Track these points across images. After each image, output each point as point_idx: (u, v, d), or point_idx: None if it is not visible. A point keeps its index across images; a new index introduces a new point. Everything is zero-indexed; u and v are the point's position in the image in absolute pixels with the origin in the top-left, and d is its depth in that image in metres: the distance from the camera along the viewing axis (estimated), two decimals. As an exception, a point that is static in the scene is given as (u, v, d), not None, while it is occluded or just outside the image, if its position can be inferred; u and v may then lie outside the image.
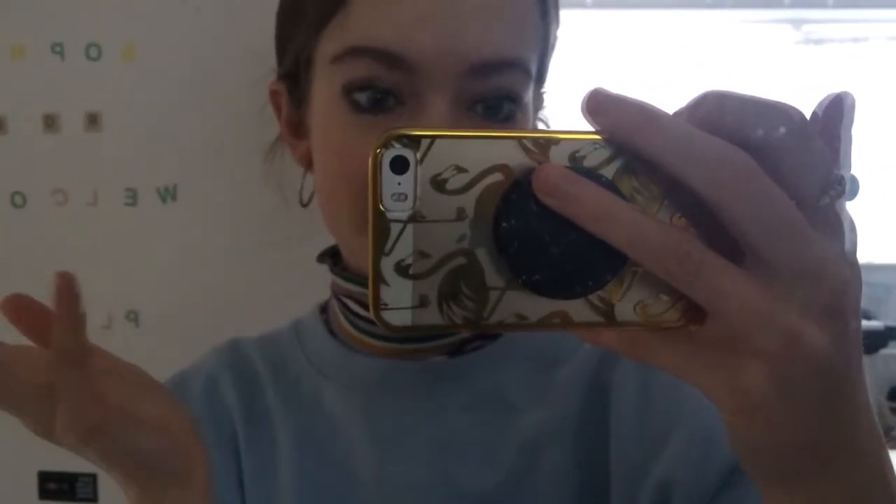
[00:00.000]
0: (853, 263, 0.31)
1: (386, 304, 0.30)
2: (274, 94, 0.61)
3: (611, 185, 0.30)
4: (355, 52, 0.50)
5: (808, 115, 0.31)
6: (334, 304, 0.64)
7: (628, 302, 0.31)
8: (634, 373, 0.56)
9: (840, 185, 0.30)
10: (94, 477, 0.83)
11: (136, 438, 0.43)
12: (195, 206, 0.82)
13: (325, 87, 0.53)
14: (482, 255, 0.30)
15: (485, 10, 0.49)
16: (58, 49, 0.80)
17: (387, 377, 0.59)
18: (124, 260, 0.82)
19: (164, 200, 0.82)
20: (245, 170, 0.81)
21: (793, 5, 3.93)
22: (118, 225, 0.82)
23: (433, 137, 0.29)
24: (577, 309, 0.31)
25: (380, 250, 0.29)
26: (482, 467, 0.56)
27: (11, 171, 0.82)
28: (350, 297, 0.60)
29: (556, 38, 0.57)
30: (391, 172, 0.29)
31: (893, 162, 3.89)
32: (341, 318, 0.62)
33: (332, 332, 0.64)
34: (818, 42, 4.13)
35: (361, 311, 0.60)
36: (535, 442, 0.56)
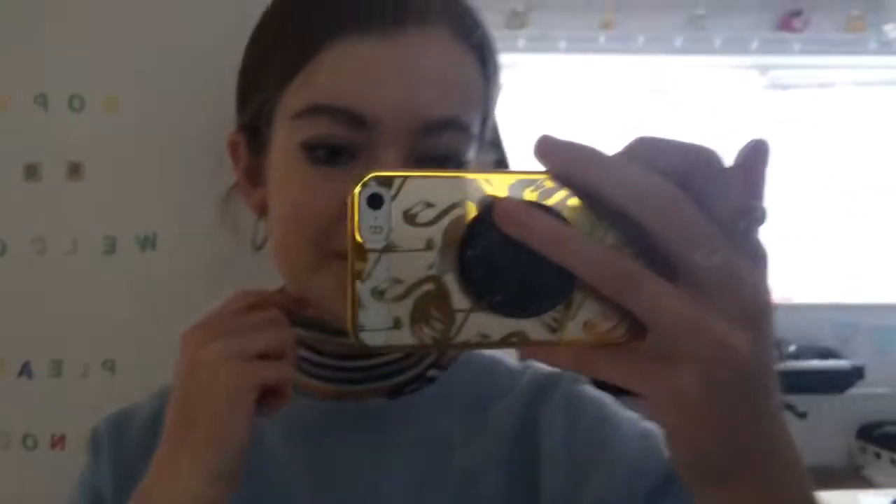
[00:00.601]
0: (767, 282, 0.36)
1: (363, 326, 0.33)
2: (233, 144, 0.65)
3: (559, 216, 0.34)
4: (316, 110, 0.54)
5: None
6: None
7: (578, 321, 0.35)
8: (561, 411, 0.62)
9: (754, 213, 0.35)
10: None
11: None
12: (174, 256, 0.83)
13: (284, 140, 0.57)
14: (449, 280, 0.34)
15: (435, 76, 0.55)
16: (41, 100, 0.81)
17: (327, 418, 0.63)
18: (102, 308, 0.83)
19: (143, 249, 0.83)
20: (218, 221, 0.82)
21: (759, 51, 4.03)
22: (97, 273, 0.82)
23: (405, 177, 0.34)
24: (534, 328, 0.35)
25: (358, 277, 0.33)
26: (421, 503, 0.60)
27: (-8, 219, 0.82)
28: (298, 342, 0.61)
29: (496, 104, 0.63)
30: (368, 208, 0.33)
31: (859, 205, 3.97)
32: None
33: None
34: (785, 87, 4.23)
35: (310, 355, 0.63)
36: (471, 475, 0.61)
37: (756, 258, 0.35)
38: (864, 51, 3.78)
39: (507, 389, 0.65)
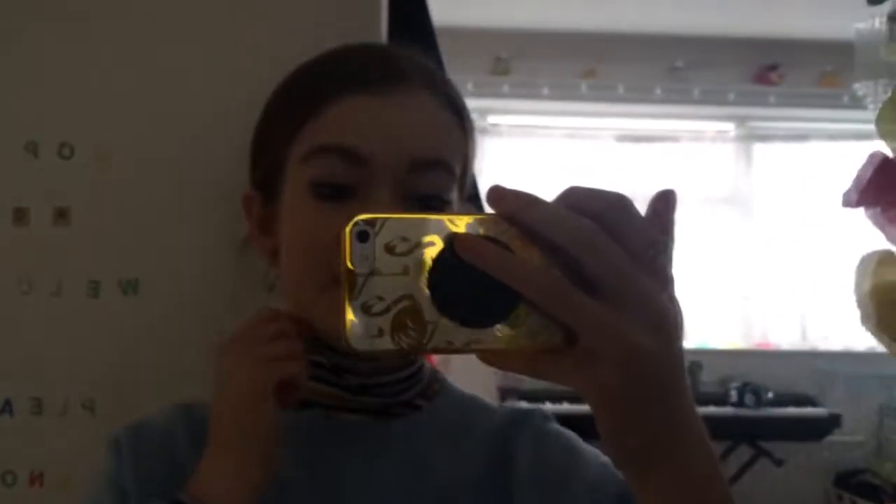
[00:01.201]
0: (673, 298, 0.46)
1: (353, 335, 0.43)
2: (247, 199, 0.74)
3: (506, 246, 0.43)
4: (322, 150, 0.66)
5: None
6: None
7: (524, 331, 0.44)
8: (532, 442, 0.71)
9: (658, 246, 0.46)
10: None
11: None
12: (156, 300, 0.85)
13: (295, 182, 0.67)
14: (421, 298, 0.43)
15: (419, 124, 0.67)
16: (31, 147, 0.85)
17: (316, 430, 0.69)
18: (84, 348, 0.85)
19: (125, 293, 0.85)
20: (205, 267, 0.86)
21: (736, 102, 4.12)
22: (80, 315, 0.85)
23: (385, 219, 0.43)
24: (489, 336, 0.44)
25: (349, 295, 0.43)
26: None
27: (-22, 261, 0.85)
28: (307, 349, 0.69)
29: (474, 153, 0.74)
30: (357, 241, 0.43)
31: (837, 253, 4.03)
32: None
33: None
34: (762, 139, 4.32)
35: (316, 358, 0.69)
36: (448, 497, 0.68)
37: (662, 279, 0.45)
38: (837, 105, 3.87)
39: (484, 422, 0.73)
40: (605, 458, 0.68)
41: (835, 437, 3.68)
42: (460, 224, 0.44)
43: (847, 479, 3.76)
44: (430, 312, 0.43)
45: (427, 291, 0.43)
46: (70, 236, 0.85)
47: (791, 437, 3.60)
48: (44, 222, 0.85)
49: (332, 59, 0.71)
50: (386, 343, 0.43)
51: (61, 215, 0.85)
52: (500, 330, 0.44)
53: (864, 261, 1.33)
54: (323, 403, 0.70)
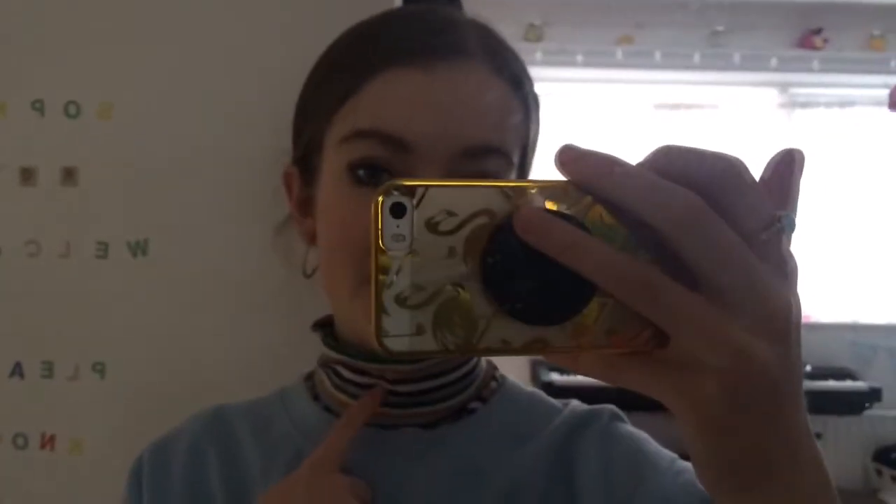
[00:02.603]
0: (795, 293, 0.35)
1: (387, 332, 0.34)
2: (287, 177, 0.68)
3: (580, 224, 0.34)
4: (361, 135, 0.57)
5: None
6: (320, 373, 0.68)
7: (600, 328, 0.35)
8: (597, 446, 0.62)
9: (779, 223, 0.35)
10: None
11: None
12: (165, 262, 0.84)
13: (332, 165, 0.60)
14: (471, 287, 0.34)
15: (472, 104, 0.57)
16: (38, 106, 0.83)
17: (368, 443, 0.62)
18: (93, 311, 0.84)
19: (134, 255, 0.84)
20: (215, 229, 0.84)
21: (779, 68, 4.01)
22: (88, 277, 0.84)
23: (427, 187, 0.34)
24: (555, 335, 0.35)
25: (381, 284, 0.34)
26: None
27: (-13, 221, 0.84)
28: (343, 364, 0.64)
29: (537, 139, 0.65)
30: (391, 217, 0.34)
31: (880, 224, 3.93)
32: (328, 386, 0.66)
33: (315, 398, 0.68)
34: (804, 105, 4.20)
35: (352, 377, 0.64)
36: (509, 500, 0.61)
37: (782, 269, 0.35)
38: (884, 70, 3.75)
39: (545, 425, 0.65)
40: (682, 465, 0.60)
41: (875, 412, 3.60)
42: (521, 194, 0.35)
43: (887, 454, 3.68)
44: (481, 306, 0.34)
45: (479, 280, 0.34)
46: (78, 196, 0.84)
47: (830, 410, 3.53)
48: (52, 182, 0.84)
49: (376, 25, 0.63)
50: (427, 343, 0.34)
51: (69, 175, 0.83)
52: (571, 327, 0.35)
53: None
54: (370, 424, 0.63)
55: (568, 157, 0.34)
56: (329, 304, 0.65)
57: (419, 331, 0.34)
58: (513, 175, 0.60)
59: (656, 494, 0.58)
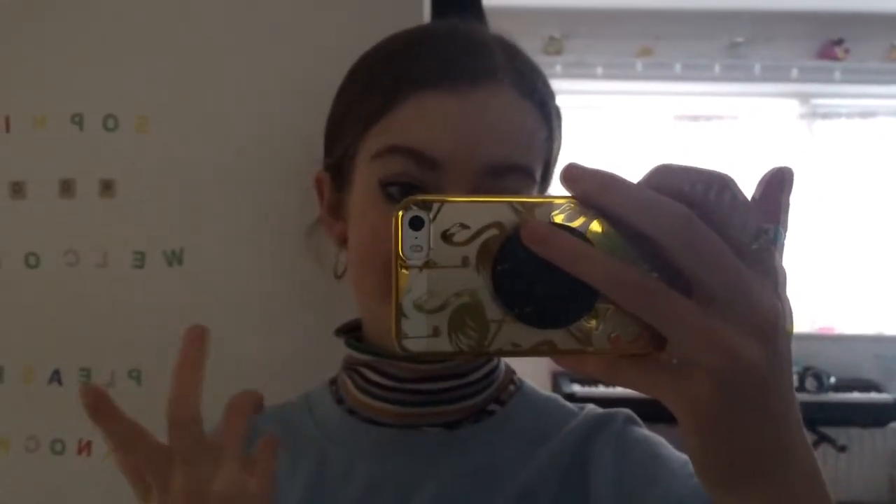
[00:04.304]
0: (783, 298, 0.39)
1: (406, 334, 0.37)
2: (319, 182, 0.72)
3: (583, 236, 0.38)
4: (393, 151, 0.61)
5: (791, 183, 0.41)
6: (343, 377, 0.70)
7: (603, 332, 0.38)
8: (612, 448, 0.65)
9: (767, 235, 0.38)
10: None
11: None
12: (200, 270, 0.86)
13: (365, 179, 0.64)
14: (483, 293, 0.38)
15: (500, 125, 0.62)
16: (77, 119, 0.85)
17: (390, 443, 0.66)
18: (130, 319, 0.86)
19: (170, 264, 0.86)
20: (247, 237, 0.85)
21: (800, 79, 4.00)
22: (126, 285, 0.86)
23: (442, 202, 0.38)
24: (561, 338, 0.38)
25: (400, 290, 0.37)
26: None
27: (27, 232, 0.86)
28: (367, 366, 0.67)
29: (559, 150, 0.69)
30: (409, 229, 0.37)
31: (902, 235, 3.90)
32: (351, 388, 0.69)
33: (339, 401, 0.70)
34: (825, 116, 4.18)
35: (377, 378, 0.66)
36: (524, 501, 0.63)
37: (770, 276, 0.38)
38: (906, 80, 3.73)
39: (561, 426, 0.67)
40: None
41: (900, 424, 3.56)
42: (529, 208, 0.38)
43: (914, 467, 3.65)
44: (492, 310, 0.38)
45: (490, 287, 0.38)
46: (115, 208, 0.86)
47: (854, 422, 3.51)
48: (90, 194, 0.86)
49: (411, 46, 0.66)
50: (442, 344, 0.38)
51: (107, 187, 0.86)
52: (575, 330, 0.38)
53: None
54: (393, 424, 0.67)
55: (572, 174, 0.38)
56: (356, 307, 0.68)
57: (435, 333, 0.37)
58: (535, 189, 0.64)
59: (668, 497, 0.60)
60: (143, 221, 0.86)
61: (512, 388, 0.70)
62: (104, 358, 0.86)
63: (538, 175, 0.64)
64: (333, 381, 0.73)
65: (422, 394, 0.66)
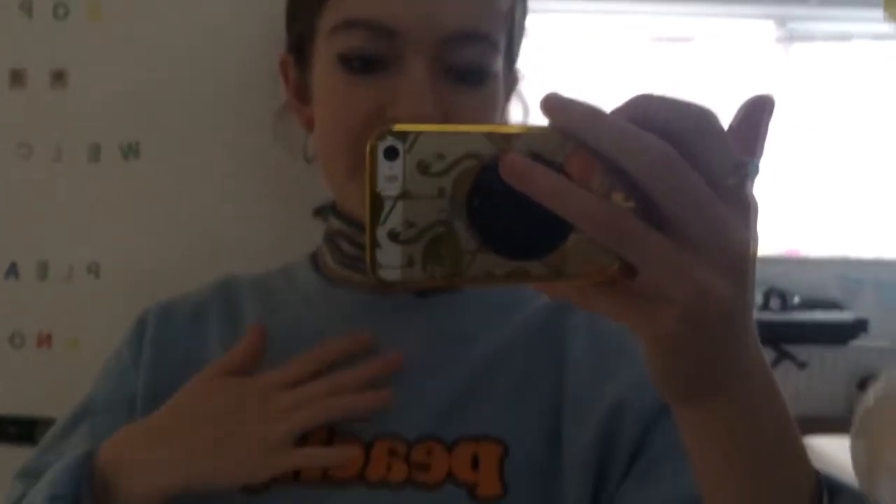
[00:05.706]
0: (754, 232, 0.39)
1: (380, 264, 0.37)
2: (283, 65, 0.72)
3: (561, 169, 0.37)
4: (350, 24, 0.60)
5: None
6: (323, 248, 0.72)
7: (575, 261, 0.38)
8: (586, 319, 0.66)
9: (743, 169, 0.38)
10: (53, 422, 0.86)
11: None
12: (156, 164, 0.85)
13: (324, 55, 0.63)
14: (458, 224, 0.37)
15: None
16: (25, 6, 0.83)
17: (364, 308, 0.68)
18: (86, 213, 0.85)
19: (126, 157, 0.85)
20: (205, 130, 0.84)
21: (776, 1, 3.96)
22: (81, 179, 0.85)
23: (419, 132, 0.37)
24: (534, 267, 0.38)
25: (375, 221, 0.37)
26: (442, 381, 0.65)
27: (-23, 125, 0.85)
28: (343, 236, 0.69)
29: (523, 23, 0.68)
30: (384, 159, 0.36)
31: (872, 159, 3.93)
32: (329, 260, 0.71)
33: (316, 269, 0.73)
34: (801, 39, 4.16)
35: (354, 252, 0.68)
36: (495, 357, 0.66)
37: (743, 210, 0.38)
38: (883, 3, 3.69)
39: (531, 299, 0.69)
40: None
41: (861, 342, 3.66)
42: (507, 139, 0.37)
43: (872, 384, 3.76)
44: (467, 241, 0.37)
45: (465, 218, 0.37)
46: (68, 99, 0.84)
47: (816, 340, 3.58)
48: (41, 85, 0.84)
49: None
50: (416, 273, 0.37)
51: (58, 77, 0.84)
52: (548, 260, 0.38)
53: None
54: (363, 290, 0.68)
55: (552, 104, 0.37)
56: (328, 188, 0.69)
57: (410, 263, 0.37)
58: (498, 56, 0.63)
59: (633, 374, 0.61)
60: (97, 113, 0.84)
61: None
62: (62, 251, 0.86)
63: (501, 45, 0.63)
64: (314, 256, 0.75)
65: None
